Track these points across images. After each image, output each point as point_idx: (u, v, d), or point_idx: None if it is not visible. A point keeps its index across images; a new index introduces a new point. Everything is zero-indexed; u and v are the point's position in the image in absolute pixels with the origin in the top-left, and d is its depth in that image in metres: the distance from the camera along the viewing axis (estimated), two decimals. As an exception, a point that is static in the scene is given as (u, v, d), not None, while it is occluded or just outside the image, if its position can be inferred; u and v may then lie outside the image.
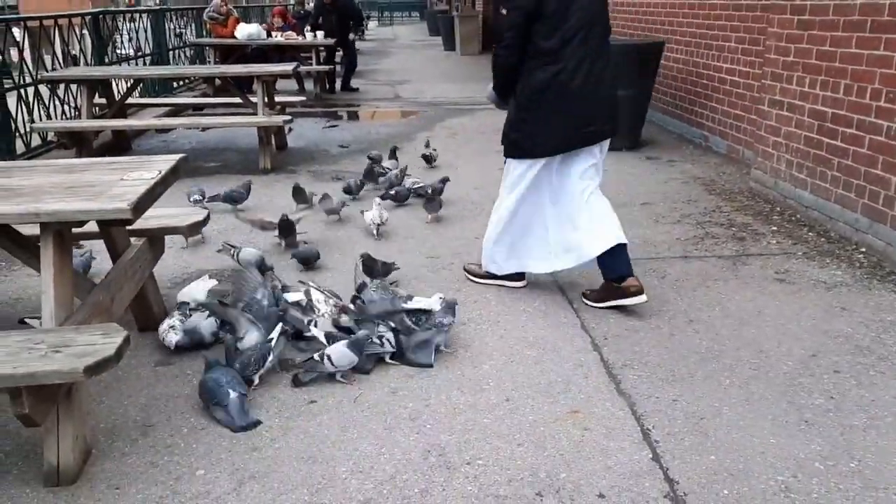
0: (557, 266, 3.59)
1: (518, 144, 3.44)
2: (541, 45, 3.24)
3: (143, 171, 2.73)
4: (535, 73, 3.28)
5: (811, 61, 4.57)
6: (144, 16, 10.29)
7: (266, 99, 6.62)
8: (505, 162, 3.58)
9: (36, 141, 6.44)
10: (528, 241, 3.60)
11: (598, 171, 3.53)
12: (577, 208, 3.46)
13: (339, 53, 12.26)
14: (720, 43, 6.47)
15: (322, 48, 11.63)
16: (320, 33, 11.42)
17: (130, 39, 9.66)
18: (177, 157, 2.97)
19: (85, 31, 7.83)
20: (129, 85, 7.03)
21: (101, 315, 2.64)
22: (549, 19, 3.21)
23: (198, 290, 3.41)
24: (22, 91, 6.29)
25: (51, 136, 6.60)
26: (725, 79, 6.39)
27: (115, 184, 2.60)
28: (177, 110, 8.73)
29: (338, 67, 12.22)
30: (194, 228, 3.38)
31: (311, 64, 11.40)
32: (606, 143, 3.50)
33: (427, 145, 6.49)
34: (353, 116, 9.97)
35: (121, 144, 7.10)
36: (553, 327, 3.32)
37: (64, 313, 2.44)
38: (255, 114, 6.61)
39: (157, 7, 13.52)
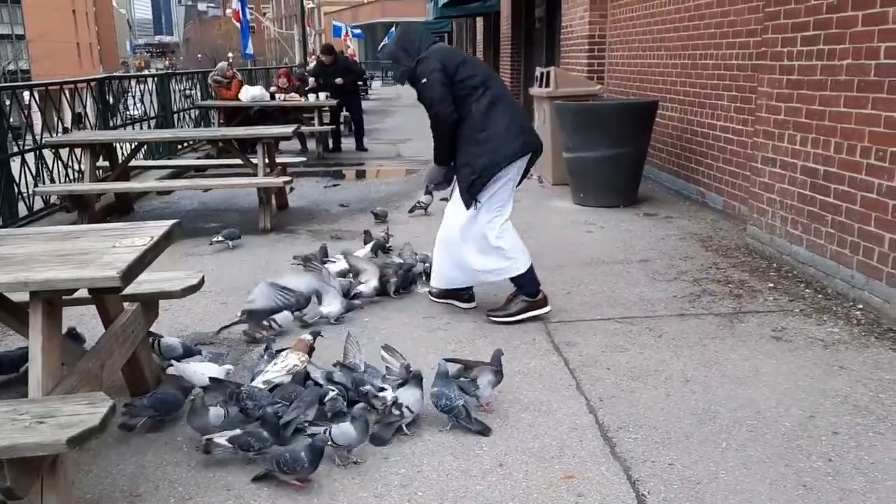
0: None
1: (483, 174, 3.80)
2: (466, 84, 3.81)
3: (135, 238, 2.75)
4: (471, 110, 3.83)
5: (801, 120, 4.63)
6: (150, 79, 10.53)
7: (267, 160, 6.71)
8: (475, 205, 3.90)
9: (38, 204, 6.53)
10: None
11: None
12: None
13: (345, 113, 12.46)
14: (713, 101, 6.57)
15: (325, 108, 11.84)
16: (322, 94, 11.67)
17: (134, 103, 9.87)
18: (169, 223, 3.00)
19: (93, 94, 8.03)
20: (132, 148, 7.15)
21: (91, 383, 2.63)
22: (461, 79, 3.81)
23: (206, 371, 3.26)
24: (26, 155, 6.41)
25: (53, 199, 6.69)
26: (720, 136, 6.47)
27: (106, 251, 2.62)
28: (179, 172, 8.86)
29: (342, 127, 12.41)
30: (188, 292, 3.38)
31: (313, 124, 11.58)
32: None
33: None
34: (355, 175, 10.09)
35: (123, 207, 7.18)
36: (548, 389, 3.29)
37: (52, 382, 2.44)
38: (255, 175, 6.70)
39: (163, 71, 13.79)
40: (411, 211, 6.96)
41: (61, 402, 2.28)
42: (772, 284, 4.57)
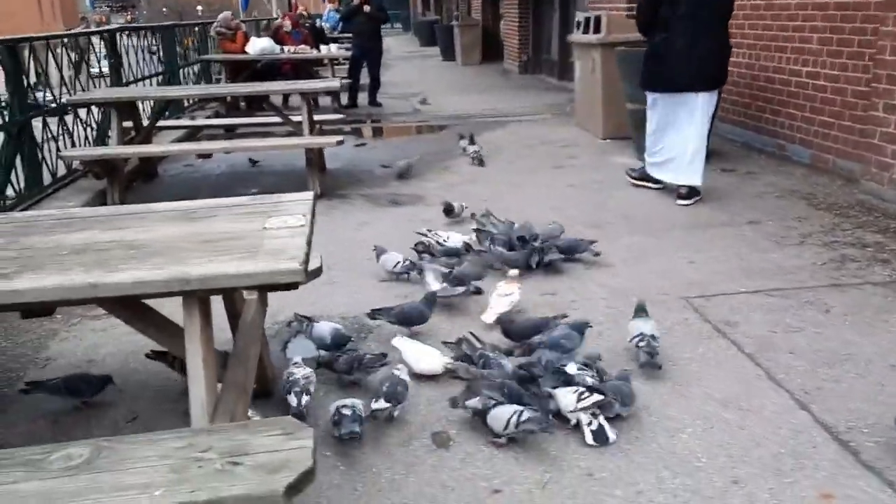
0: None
1: (643, 80, 5.20)
2: (660, 15, 4.91)
3: (285, 217, 2.22)
4: (654, 35, 5.04)
5: (945, 63, 4.16)
6: (156, 33, 9.74)
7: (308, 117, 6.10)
8: None
9: (61, 170, 5.89)
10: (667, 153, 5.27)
11: (693, 114, 5.04)
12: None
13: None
14: (797, 45, 6.06)
15: (341, 59, 11.10)
16: (333, 45, 10.94)
17: (142, 58, 9.09)
18: (310, 194, 2.48)
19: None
20: (154, 107, 6.49)
21: (242, 396, 2.14)
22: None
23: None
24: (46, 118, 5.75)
25: (75, 165, 6.04)
26: (806, 83, 5.98)
27: (261, 235, 2.09)
28: (195, 131, 8.18)
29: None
30: (312, 277, 2.86)
31: (326, 77, 10.87)
32: (702, 94, 5.01)
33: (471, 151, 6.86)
34: (380, 132, 9.50)
35: (148, 171, 6.56)
36: (736, 381, 2.84)
37: (213, 401, 1.94)
38: (296, 133, 6.11)
39: (168, 23, 12.82)
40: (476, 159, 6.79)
41: (245, 432, 1.76)
42: (914, 246, 4.16)
